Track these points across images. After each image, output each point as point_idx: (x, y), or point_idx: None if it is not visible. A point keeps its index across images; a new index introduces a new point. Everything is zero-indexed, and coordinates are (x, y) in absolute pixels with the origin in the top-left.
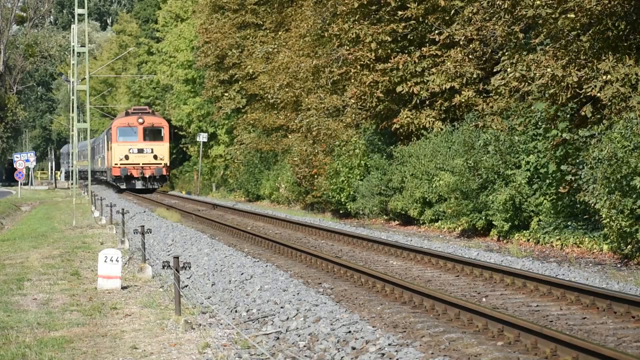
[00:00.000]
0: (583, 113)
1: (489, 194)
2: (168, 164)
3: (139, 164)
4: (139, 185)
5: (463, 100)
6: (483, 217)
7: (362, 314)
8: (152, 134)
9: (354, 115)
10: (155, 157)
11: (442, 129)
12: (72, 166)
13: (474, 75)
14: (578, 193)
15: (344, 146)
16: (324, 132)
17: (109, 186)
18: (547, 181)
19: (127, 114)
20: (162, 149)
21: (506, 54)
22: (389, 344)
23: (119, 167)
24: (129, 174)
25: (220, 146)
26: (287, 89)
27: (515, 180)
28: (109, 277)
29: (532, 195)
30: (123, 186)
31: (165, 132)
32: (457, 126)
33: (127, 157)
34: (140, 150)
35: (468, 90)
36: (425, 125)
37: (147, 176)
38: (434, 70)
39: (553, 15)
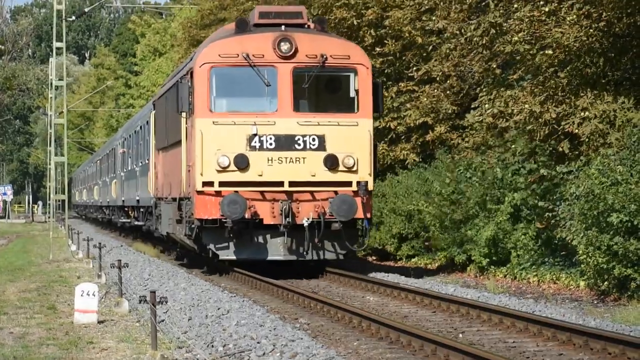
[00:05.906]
0: (561, 149)
1: (471, 229)
2: (371, 182)
3: (281, 182)
4: (277, 251)
5: (436, 136)
6: (461, 252)
7: (339, 349)
8: (325, 87)
9: None
10: (331, 160)
11: (415, 161)
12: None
13: (449, 111)
14: (556, 229)
15: None
16: None
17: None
18: (527, 217)
19: (240, 27)
20: (353, 136)
21: (484, 90)
22: None
23: (214, 194)
24: (250, 214)
25: None
26: None
27: (498, 216)
28: (86, 311)
29: (513, 231)
30: (227, 254)
31: (363, 84)
32: (430, 163)
33: (242, 164)
34: (288, 143)
35: (441, 126)
36: (401, 158)
37: (304, 222)
38: (408, 105)
39: (531, 52)
